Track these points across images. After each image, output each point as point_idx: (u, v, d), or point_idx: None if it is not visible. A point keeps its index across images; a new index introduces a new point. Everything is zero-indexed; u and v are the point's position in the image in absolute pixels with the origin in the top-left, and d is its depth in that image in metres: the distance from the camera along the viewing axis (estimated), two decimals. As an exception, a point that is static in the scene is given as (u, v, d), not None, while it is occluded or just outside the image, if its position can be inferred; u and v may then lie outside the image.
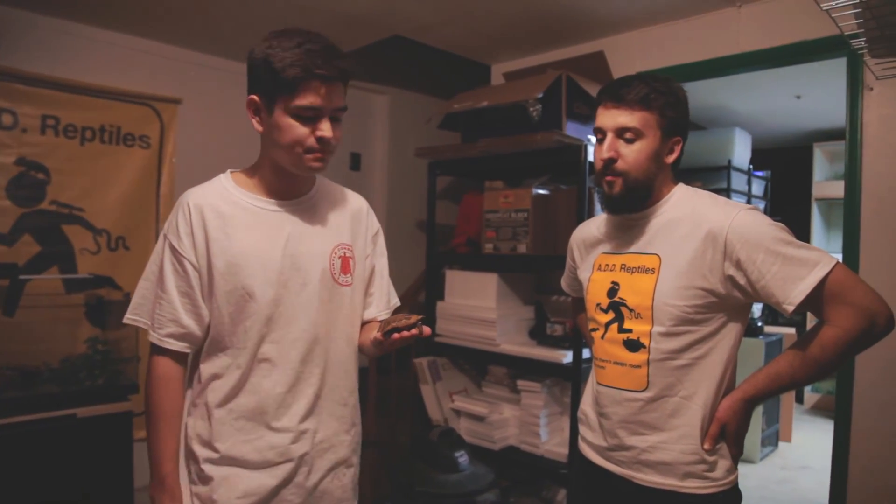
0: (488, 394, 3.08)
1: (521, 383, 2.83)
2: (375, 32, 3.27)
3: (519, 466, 2.88)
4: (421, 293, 3.67)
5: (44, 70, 3.03)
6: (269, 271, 1.31)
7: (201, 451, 1.32)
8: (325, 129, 1.26)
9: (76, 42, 3.18)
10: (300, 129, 1.25)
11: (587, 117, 2.75)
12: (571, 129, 2.66)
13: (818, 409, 5.66)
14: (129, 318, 1.36)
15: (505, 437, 2.88)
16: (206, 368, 1.34)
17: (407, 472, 2.61)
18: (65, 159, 3.09)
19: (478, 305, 2.96)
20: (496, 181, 3.05)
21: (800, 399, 5.74)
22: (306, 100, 1.23)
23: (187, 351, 1.35)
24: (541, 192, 2.85)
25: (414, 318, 1.25)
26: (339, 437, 1.42)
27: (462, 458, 2.61)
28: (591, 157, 2.56)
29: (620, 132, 1.43)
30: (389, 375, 3.82)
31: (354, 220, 1.50)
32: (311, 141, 1.26)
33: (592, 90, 2.69)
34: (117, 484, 2.56)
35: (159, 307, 1.31)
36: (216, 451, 1.30)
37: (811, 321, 4.84)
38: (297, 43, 1.22)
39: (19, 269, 2.88)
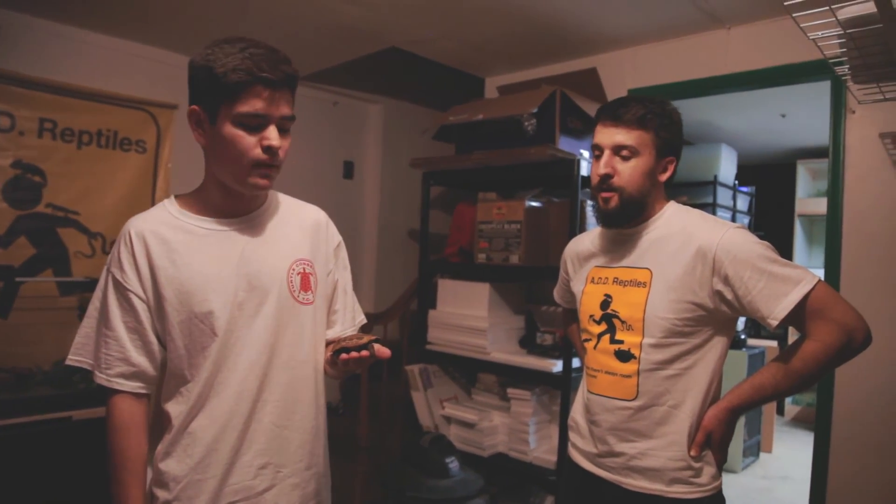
0: (478, 401, 3.13)
1: (510, 391, 2.87)
2: (372, 44, 3.33)
3: (508, 473, 2.92)
4: (413, 301, 3.71)
5: (42, 73, 3.05)
6: (222, 295, 1.22)
7: (161, 494, 1.22)
8: (272, 136, 1.17)
9: (75, 46, 3.21)
10: (246, 139, 1.16)
11: (580, 132, 2.82)
12: (564, 143, 2.72)
13: (798, 421, 5.74)
14: (71, 359, 1.24)
15: (494, 444, 2.93)
16: (172, 408, 1.23)
17: (398, 477, 2.64)
18: (61, 163, 3.12)
19: (469, 314, 3.01)
20: (489, 192, 3.11)
21: (780, 411, 5.83)
22: (251, 106, 1.14)
23: (143, 391, 1.23)
24: (534, 204, 2.91)
25: (366, 339, 1.13)
26: (307, 470, 1.32)
27: (452, 464, 2.64)
28: (584, 172, 2.63)
29: (617, 149, 1.50)
30: (381, 382, 3.86)
31: (313, 234, 1.39)
32: (258, 152, 1.17)
33: (585, 106, 2.76)
34: (111, 486, 2.58)
35: (105, 346, 1.20)
36: (171, 491, 1.21)
37: (793, 335, 4.93)
38: (240, 48, 1.14)
39: (14, 271, 2.90)
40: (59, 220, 3.14)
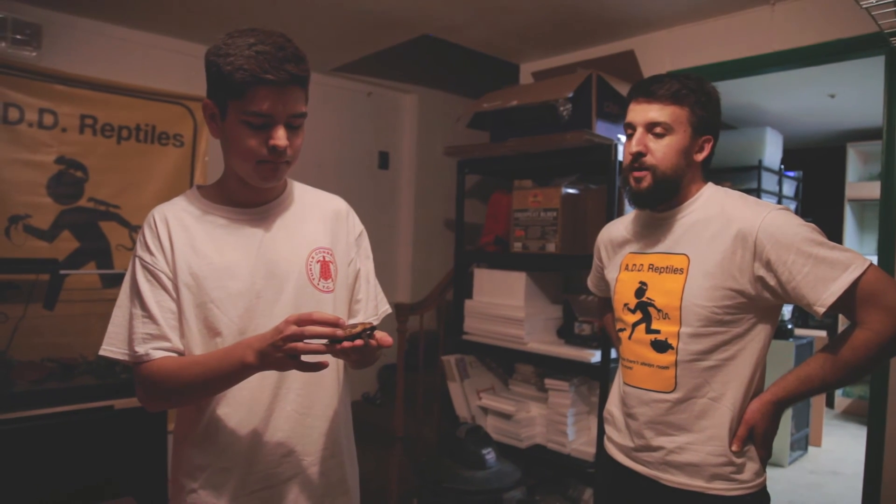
0: (515, 392, 3.09)
1: (548, 382, 2.83)
2: (405, 32, 3.30)
3: (545, 465, 2.89)
4: (449, 291, 3.69)
5: (82, 71, 3.11)
6: (239, 282, 1.22)
7: (188, 483, 1.22)
8: (279, 137, 1.16)
9: (113, 43, 3.27)
10: (251, 138, 1.16)
11: (617, 116, 2.75)
12: (601, 128, 2.66)
13: (849, 414, 5.56)
14: (104, 349, 1.21)
15: (532, 436, 2.89)
16: None
17: (434, 468, 2.63)
18: (102, 157, 3.18)
19: (506, 304, 2.97)
20: (525, 180, 3.06)
21: (830, 403, 5.65)
22: (255, 105, 1.13)
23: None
24: (570, 191, 2.85)
25: (360, 327, 1.09)
26: (331, 458, 1.32)
27: (489, 455, 2.62)
28: (621, 157, 2.56)
29: (650, 126, 1.44)
30: (417, 372, 3.86)
31: (334, 223, 1.38)
32: (263, 151, 1.16)
33: (622, 89, 2.69)
34: (151, 473, 2.63)
35: (143, 325, 1.18)
36: (196, 479, 1.22)
37: (843, 323, 4.76)
38: (249, 44, 1.12)
39: (59, 265, 2.97)
40: (101, 214, 3.20)
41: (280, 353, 1.05)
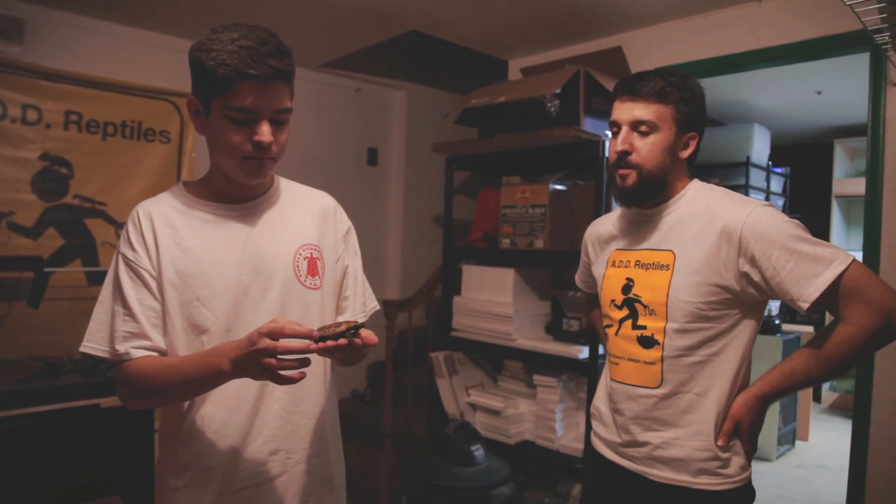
0: (504, 388, 3.09)
1: (536, 378, 2.84)
2: (393, 28, 3.29)
3: (534, 461, 2.89)
4: (437, 288, 3.68)
5: (67, 66, 3.08)
6: (225, 279, 1.21)
7: (173, 482, 1.22)
8: (263, 132, 1.14)
9: (98, 38, 3.24)
10: (235, 134, 1.15)
11: (605, 113, 2.75)
12: (589, 124, 2.66)
13: (836, 409, 5.61)
14: (85, 346, 1.20)
15: (520, 432, 2.89)
16: None
17: (423, 465, 2.63)
18: (87, 154, 3.14)
19: (494, 300, 2.97)
20: (513, 176, 3.06)
21: (817, 398, 5.70)
22: (238, 101, 1.12)
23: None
24: (558, 187, 2.85)
25: (344, 326, 1.08)
26: (317, 456, 1.32)
27: (478, 451, 2.62)
28: (608, 153, 2.57)
29: (635, 125, 1.44)
30: (406, 369, 3.85)
31: (321, 219, 1.37)
32: (248, 147, 1.15)
33: (610, 85, 2.69)
34: (139, 471, 2.61)
35: (124, 322, 1.17)
36: (181, 477, 1.21)
37: (829, 319, 4.80)
38: (232, 39, 1.11)
39: (44, 262, 2.94)
40: (87, 211, 3.17)
41: (254, 365, 1.04)
